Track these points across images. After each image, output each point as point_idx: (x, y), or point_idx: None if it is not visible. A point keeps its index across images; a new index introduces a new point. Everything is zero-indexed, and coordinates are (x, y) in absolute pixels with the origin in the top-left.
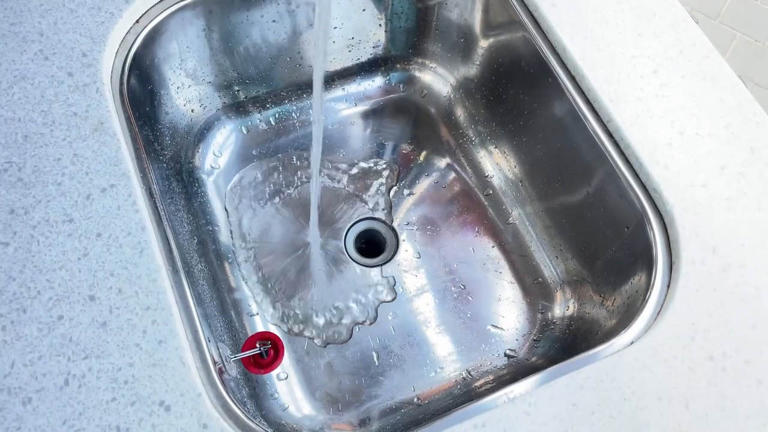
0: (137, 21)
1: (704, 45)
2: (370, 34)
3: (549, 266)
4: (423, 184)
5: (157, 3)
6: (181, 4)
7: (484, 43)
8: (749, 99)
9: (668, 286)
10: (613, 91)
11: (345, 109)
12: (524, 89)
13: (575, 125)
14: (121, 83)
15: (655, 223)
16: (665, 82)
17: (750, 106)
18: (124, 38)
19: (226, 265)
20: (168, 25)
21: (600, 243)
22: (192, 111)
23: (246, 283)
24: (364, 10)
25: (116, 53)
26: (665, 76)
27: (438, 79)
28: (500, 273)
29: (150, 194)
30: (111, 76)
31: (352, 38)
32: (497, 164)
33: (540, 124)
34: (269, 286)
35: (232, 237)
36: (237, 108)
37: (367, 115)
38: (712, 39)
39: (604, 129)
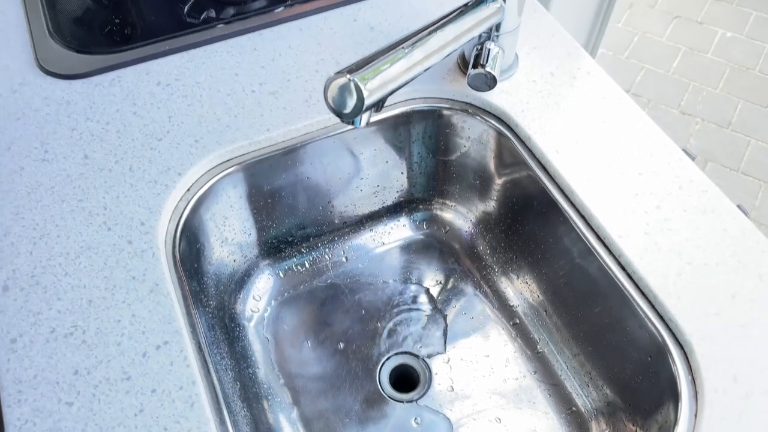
0: (188, 189)
1: (702, 180)
2: (394, 181)
3: (581, 395)
4: (451, 315)
5: (206, 173)
6: (227, 171)
7: (498, 184)
8: (751, 228)
9: (695, 416)
10: (620, 227)
11: (374, 248)
12: (539, 225)
13: (589, 259)
14: (174, 246)
15: (675, 352)
16: (669, 216)
17: (752, 235)
18: (176, 206)
19: (266, 405)
20: (214, 189)
21: (627, 371)
22: (234, 261)
23: (285, 423)
24: (387, 161)
25: (170, 219)
26: (668, 211)
27: (459, 216)
28: (534, 403)
29: (199, 348)
30: (165, 241)
31: (378, 185)
32: (521, 293)
33: (556, 256)
34: (308, 425)
35: (270, 377)
36: (274, 254)
37: (394, 253)
38: (729, 147)
39: (616, 263)
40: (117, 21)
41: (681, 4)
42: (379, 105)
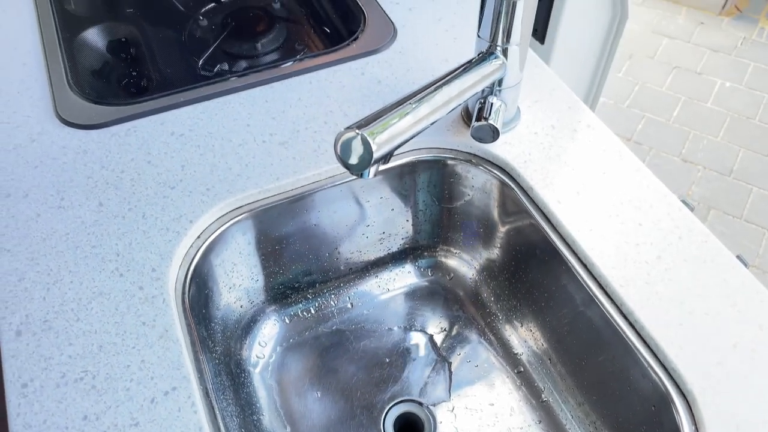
0: (199, 236)
1: (701, 231)
2: (399, 228)
3: None
4: (455, 362)
5: (216, 220)
6: (237, 219)
7: (502, 232)
8: (751, 278)
9: None
10: (621, 277)
11: (379, 295)
12: (542, 273)
13: (592, 308)
14: (183, 292)
15: (678, 402)
16: (669, 266)
17: (752, 285)
18: (187, 252)
19: None
20: (224, 236)
21: (632, 421)
22: (241, 306)
23: None
24: (392, 209)
25: (180, 265)
26: (669, 261)
27: (463, 263)
28: None
29: (206, 394)
30: (175, 287)
31: (383, 232)
32: (525, 341)
33: (560, 304)
34: None
35: (275, 424)
36: (280, 300)
37: (399, 300)
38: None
39: (618, 312)
40: (134, 74)
41: (680, 55)
42: (386, 158)
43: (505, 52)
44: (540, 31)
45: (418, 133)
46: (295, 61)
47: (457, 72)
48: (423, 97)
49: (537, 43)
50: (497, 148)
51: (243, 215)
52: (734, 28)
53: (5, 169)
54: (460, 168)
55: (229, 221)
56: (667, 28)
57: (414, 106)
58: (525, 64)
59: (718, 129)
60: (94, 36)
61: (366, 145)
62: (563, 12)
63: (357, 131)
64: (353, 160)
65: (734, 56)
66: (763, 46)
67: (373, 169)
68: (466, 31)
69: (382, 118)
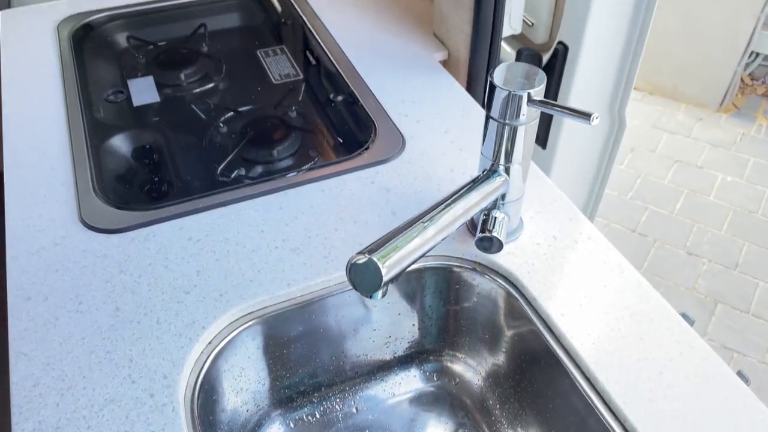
0: (210, 342)
1: (702, 347)
2: (406, 332)
3: None
4: None
5: (227, 326)
6: (247, 325)
7: (507, 338)
8: (753, 399)
9: None
10: (624, 393)
11: (385, 400)
12: (547, 383)
13: (595, 422)
14: (192, 401)
15: None
16: (671, 383)
17: (754, 404)
18: (198, 358)
19: None
20: (234, 342)
21: None
22: (247, 410)
23: None
24: (399, 313)
25: (191, 372)
26: (670, 377)
27: (468, 368)
28: None
29: None
30: (185, 395)
31: (390, 336)
32: None
33: (564, 414)
34: None
35: None
36: (286, 403)
37: (404, 405)
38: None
39: (622, 427)
40: (156, 179)
41: (680, 149)
42: (396, 278)
43: (507, 169)
44: (542, 137)
45: (426, 253)
46: (308, 168)
47: (462, 191)
48: (430, 219)
49: (539, 147)
50: (501, 258)
51: (253, 321)
52: (732, 125)
53: (28, 272)
54: (466, 275)
55: (239, 327)
56: (667, 124)
57: (421, 228)
58: (527, 176)
59: (722, 222)
60: (120, 142)
61: (376, 269)
62: (564, 119)
63: (367, 256)
64: (364, 283)
65: (734, 151)
66: (761, 142)
67: (381, 291)
68: (470, 143)
69: (391, 242)
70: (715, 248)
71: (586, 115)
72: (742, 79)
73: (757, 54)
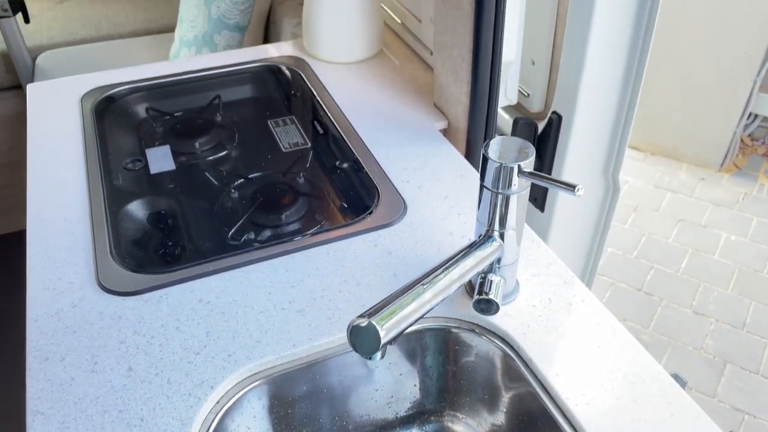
0: (218, 402)
1: (692, 408)
2: (407, 392)
3: None
4: None
5: (235, 385)
6: (254, 384)
7: (506, 400)
8: None
9: None
10: None
11: None
12: None
13: None
14: None
15: None
16: None
17: None
18: (206, 417)
19: None
20: (241, 401)
21: None
22: None
23: None
24: (401, 374)
25: (198, 431)
26: None
27: (469, 429)
28: None
29: None
30: None
31: (392, 396)
32: None
33: None
34: None
35: None
36: None
37: None
38: None
39: None
40: (170, 243)
41: (684, 208)
42: (394, 340)
43: (502, 235)
44: (540, 200)
45: (424, 316)
46: (315, 232)
47: (459, 256)
48: (428, 283)
49: (538, 210)
50: (498, 319)
51: (260, 381)
52: (734, 184)
53: (46, 333)
54: (465, 336)
55: (246, 387)
56: (670, 183)
57: (419, 291)
58: (522, 240)
59: (728, 281)
60: (137, 208)
61: (375, 332)
62: None
63: (367, 319)
64: (363, 345)
65: (737, 211)
66: (764, 202)
67: (380, 353)
68: (468, 208)
69: (390, 305)
70: (721, 307)
71: (571, 187)
72: (742, 140)
73: (756, 115)
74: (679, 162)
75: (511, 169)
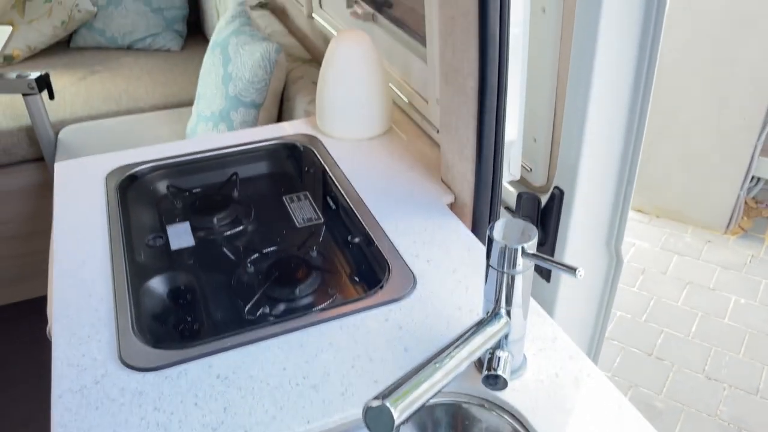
0: None
1: None
2: None
3: None
4: None
5: None
6: None
7: None
8: None
9: None
10: None
11: None
12: None
13: None
14: None
15: None
16: None
17: None
18: None
19: None
20: None
21: None
22: None
23: None
24: None
25: None
26: None
27: None
28: None
29: None
30: None
31: None
32: None
33: None
34: None
35: None
36: None
37: None
38: None
39: None
40: (189, 319)
41: (691, 271)
42: (407, 420)
43: (508, 312)
44: (545, 272)
45: (435, 395)
46: (328, 306)
47: (468, 334)
48: (439, 362)
49: (544, 281)
50: (507, 395)
51: None
52: (741, 247)
53: (71, 410)
54: (474, 411)
55: None
56: (676, 246)
57: (431, 371)
58: (528, 316)
59: (739, 345)
60: (157, 284)
61: (388, 414)
62: (564, 255)
63: (381, 401)
64: (378, 426)
65: (745, 273)
66: None
67: None
68: (476, 282)
69: (403, 386)
70: (734, 372)
71: (572, 269)
72: (746, 203)
73: (759, 179)
74: (685, 224)
75: (515, 250)
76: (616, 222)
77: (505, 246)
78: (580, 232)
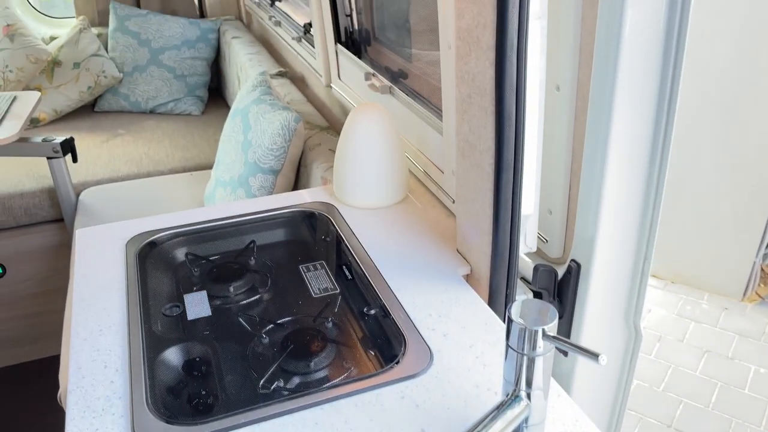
0: None
1: None
2: None
3: None
4: None
5: None
6: None
7: None
8: None
9: None
10: None
11: None
12: None
13: None
14: None
15: None
16: None
17: None
18: None
19: None
20: None
21: None
22: None
23: None
24: None
25: None
26: None
27: None
28: None
29: None
30: None
31: None
32: None
33: None
34: None
35: None
36: None
37: None
38: None
39: None
40: (203, 392)
41: (708, 339)
42: None
43: (529, 395)
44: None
45: None
46: (343, 381)
47: (487, 419)
48: None
49: (561, 355)
50: None
51: None
52: (759, 314)
53: None
54: None
55: None
56: (693, 313)
57: None
58: (548, 397)
59: (760, 417)
60: (173, 355)
61: None
62: (582, 329)
63: None
64: None
65: (763, 342)
66: None
67: None
68: (494, 358)
69: None
70: None
71: (594, 355)
72: (762, 269)
73: None
74: (701, 291)
75: (536, 332)
76: (634, 296)
77: (525, 327)
78: (598, 307)
